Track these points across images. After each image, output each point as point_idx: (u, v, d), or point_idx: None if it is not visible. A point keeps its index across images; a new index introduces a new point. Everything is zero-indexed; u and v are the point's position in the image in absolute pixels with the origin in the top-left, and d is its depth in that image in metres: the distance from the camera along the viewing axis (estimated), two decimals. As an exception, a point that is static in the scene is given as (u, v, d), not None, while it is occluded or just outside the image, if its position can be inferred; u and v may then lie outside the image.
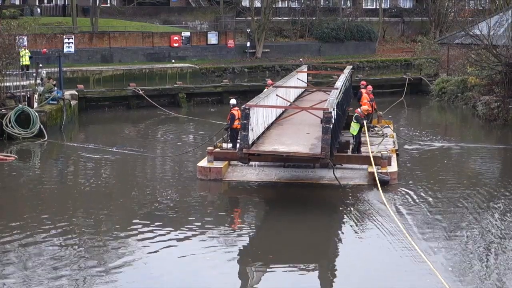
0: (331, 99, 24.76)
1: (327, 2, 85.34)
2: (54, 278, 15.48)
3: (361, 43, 76.81)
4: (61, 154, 30.82)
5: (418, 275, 15.92)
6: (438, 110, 46.04)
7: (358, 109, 26.49)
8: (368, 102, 30.37)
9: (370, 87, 32.16)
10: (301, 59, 65.80)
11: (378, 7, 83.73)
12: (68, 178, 26.47)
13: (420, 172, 26.34)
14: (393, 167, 24.35)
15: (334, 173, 22.88)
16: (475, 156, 29.80)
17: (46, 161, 29.93)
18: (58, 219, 19.87)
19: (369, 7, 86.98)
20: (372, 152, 24.23)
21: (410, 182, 24.34)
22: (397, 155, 26.68)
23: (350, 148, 25.91)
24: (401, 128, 34.49)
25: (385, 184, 23.03)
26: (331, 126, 21.29)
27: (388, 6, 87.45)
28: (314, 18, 77.62)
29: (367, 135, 25.84)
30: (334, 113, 22.25)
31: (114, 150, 29.95)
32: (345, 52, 75.08)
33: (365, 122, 25.69)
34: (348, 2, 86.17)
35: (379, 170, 23.53)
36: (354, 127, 25.52)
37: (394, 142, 28.80)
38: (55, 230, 18.80)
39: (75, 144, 32.06)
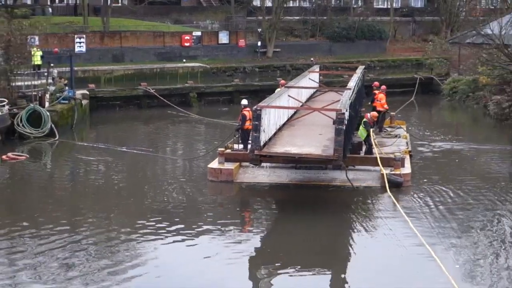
0: (343, 99, 24.56)
1: (338, 1, 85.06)
2: (65, 279, 15.48)
3: (372, 43, 76.47)
4: (72, 154, 30.78)
5: (431, 277, 15.83)
6: (449, 110, 45.83)
7: (368, 114, 26.33)
8: (380, 102, 30.44)
9: (384, 87, 32.02)
10: (312, 59, 65.59)
11: (389, 6, 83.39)
12: (79, 177, 26.47)
13: (433, 172, 26.17)
14: (407, 169, 24.15)
15: (346, 175, 22.71)
16: (487, 156, 29.59)
17: (57, 160, 29.95)
18: (68, 219, 19.91)
19: (380, 6, 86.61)
20: (386, 153, 23.99)
21: (423, 182, 24.18)
22: (411, 156, 26.49)
23: (363, 150, 25.71)
24: (410, 128, 34.26)
25: (398, 186, 22.90)
26: (344, 127, 21.09)
27: (399, 5, 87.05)
28: (325, 17, 77.30)
29: (372, 141, 25.46)
30: (347, 114, 22.03)
31: (124, 150, 29.93)
32: (356, 51, 74.73)
33: (371, 130, 25.54)
34: (359, 1, 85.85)
35: (393, 172, 23.37)
36: (362, 132, 25.41)
37: (407, 143, 28.57)
38: (65, 230, 18.77)
39: (86, 144, 32.09)
